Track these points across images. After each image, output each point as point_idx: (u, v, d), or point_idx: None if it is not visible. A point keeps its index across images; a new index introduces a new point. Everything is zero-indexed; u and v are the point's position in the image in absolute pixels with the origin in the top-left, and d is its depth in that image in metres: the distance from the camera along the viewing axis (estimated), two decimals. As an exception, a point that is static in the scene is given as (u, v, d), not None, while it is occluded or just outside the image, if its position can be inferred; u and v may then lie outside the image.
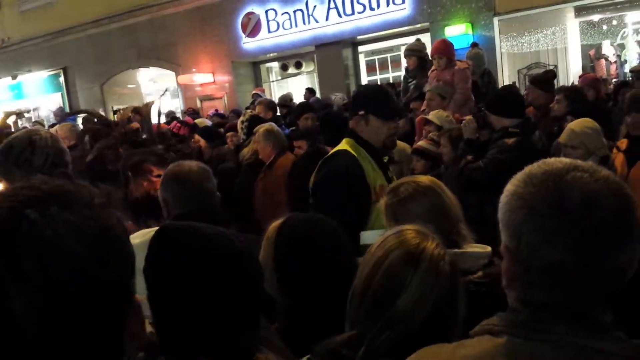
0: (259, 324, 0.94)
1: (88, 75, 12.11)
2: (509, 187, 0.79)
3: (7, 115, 3.06)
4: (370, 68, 10.22)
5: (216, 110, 9.41)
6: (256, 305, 0.93)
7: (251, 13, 9.84)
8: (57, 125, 4.92)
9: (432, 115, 3.43)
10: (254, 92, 8.31)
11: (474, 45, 6.43)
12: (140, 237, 1.43)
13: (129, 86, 12.09)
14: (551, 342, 0.73)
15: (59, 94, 12.57)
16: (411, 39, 5.75)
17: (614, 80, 7.00)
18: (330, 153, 2.18)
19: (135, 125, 4.36)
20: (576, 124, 2.83)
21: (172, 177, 1.80)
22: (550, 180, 0.74)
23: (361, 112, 2.11)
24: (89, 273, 0.53)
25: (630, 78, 6.54)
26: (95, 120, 3.38)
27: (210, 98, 10.61)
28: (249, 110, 5.35)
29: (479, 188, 2.68)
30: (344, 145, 2.14)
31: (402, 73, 5.50)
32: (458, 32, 7.87)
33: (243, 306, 0.90)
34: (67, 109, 10.39)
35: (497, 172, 2.46)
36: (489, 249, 1.33)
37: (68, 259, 0.51)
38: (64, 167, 1.80)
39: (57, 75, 12.69)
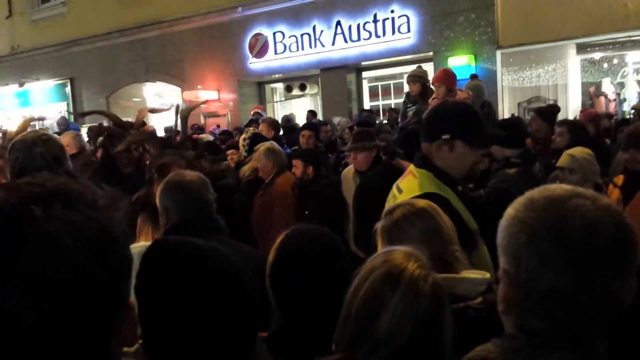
0: (253, 342, 0.92)
1: (94, 87, 12.23)
2: (510, 211, 0.79)
3: (28, 121, 3.11)
4: (373, 94, 10.35)
5: (217, 126, 9.48)
6: (249, 323, 0.91)
7: (259, 34, 10.01)
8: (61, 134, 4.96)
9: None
10: (254, 110, 8.36)
11: (474, 77, 6.53)
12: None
13: (135, 99, 12.19)
14: None
15: (65, 103, 12.67)
16: (414, 68, 5.84)
17: (614, 117, 7.08)
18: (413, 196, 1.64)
19: (150, 127, 4.40)
20: (575, 151, 2.91)
21: (174, 185, 1.81)
22: (552, 206, 0.75)
23: (445, 136, 1.73)
24: (87, 272, 0.53)
25: (631, 116, 6.61)
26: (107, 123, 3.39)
27: (214, 115, 10.69)
28: (251, 128, 5.39)
29: (480, 217, 2.68)
30: (423, 184, 1.71)
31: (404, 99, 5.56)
32: (461, 63, 7.99)
33: (234, 323, 0.88)
34: (72, 119, 10.45)
35: (499, 202, 2.46)
36: (487, 275, 1.32)
37: (67, 256, 0.51)
38: (65, 167, 1.85)
39: (63, 85, 12.81)
